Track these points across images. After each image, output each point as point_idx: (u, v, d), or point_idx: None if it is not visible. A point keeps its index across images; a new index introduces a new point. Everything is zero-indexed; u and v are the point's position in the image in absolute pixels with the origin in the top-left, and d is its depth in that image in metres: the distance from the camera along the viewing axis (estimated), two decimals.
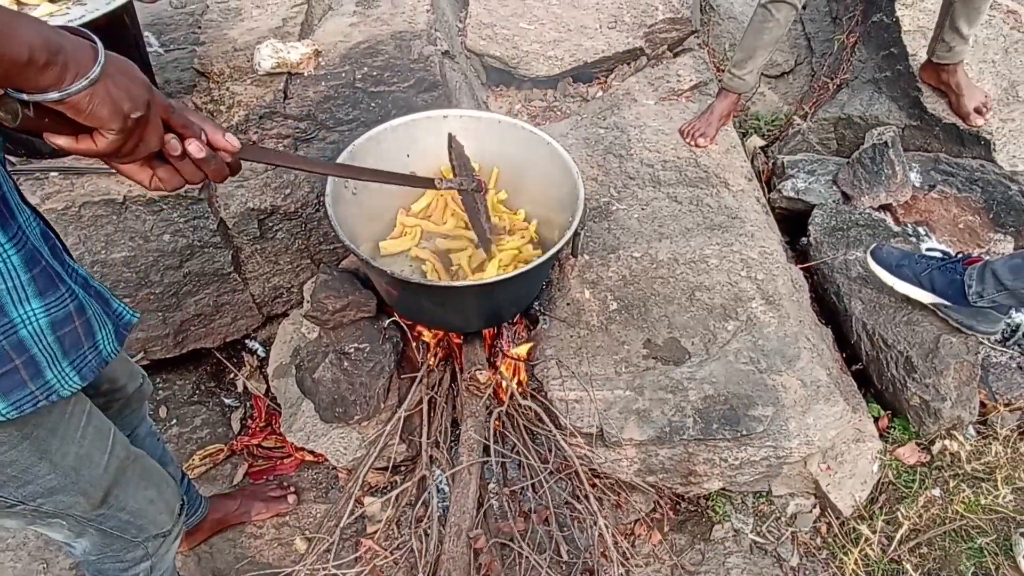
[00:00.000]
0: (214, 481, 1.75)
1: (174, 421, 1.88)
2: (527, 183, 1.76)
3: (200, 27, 1.98)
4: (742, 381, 1.62)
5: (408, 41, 1.95)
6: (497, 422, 1.61)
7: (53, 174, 1.63)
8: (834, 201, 2.21)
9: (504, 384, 1.66)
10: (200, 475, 1.75)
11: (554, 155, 1.69)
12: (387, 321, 1.68)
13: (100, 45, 0.66)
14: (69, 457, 0.89)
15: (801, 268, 2.03)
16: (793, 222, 2.27)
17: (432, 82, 1.91)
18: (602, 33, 2.55)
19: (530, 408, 1.62)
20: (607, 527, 1.48)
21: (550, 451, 1.56)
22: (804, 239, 2.13)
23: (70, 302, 0.80)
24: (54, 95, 0.62)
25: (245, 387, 1.91)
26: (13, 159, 1.63)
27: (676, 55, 2.62)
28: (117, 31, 1.58)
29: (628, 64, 2.57)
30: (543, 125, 2.38)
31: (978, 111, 2.14)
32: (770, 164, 2.50)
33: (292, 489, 1.70)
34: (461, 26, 2.56)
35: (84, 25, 1.38)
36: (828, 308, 2.02)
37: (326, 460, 1.70)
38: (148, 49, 1.88)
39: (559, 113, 2.47)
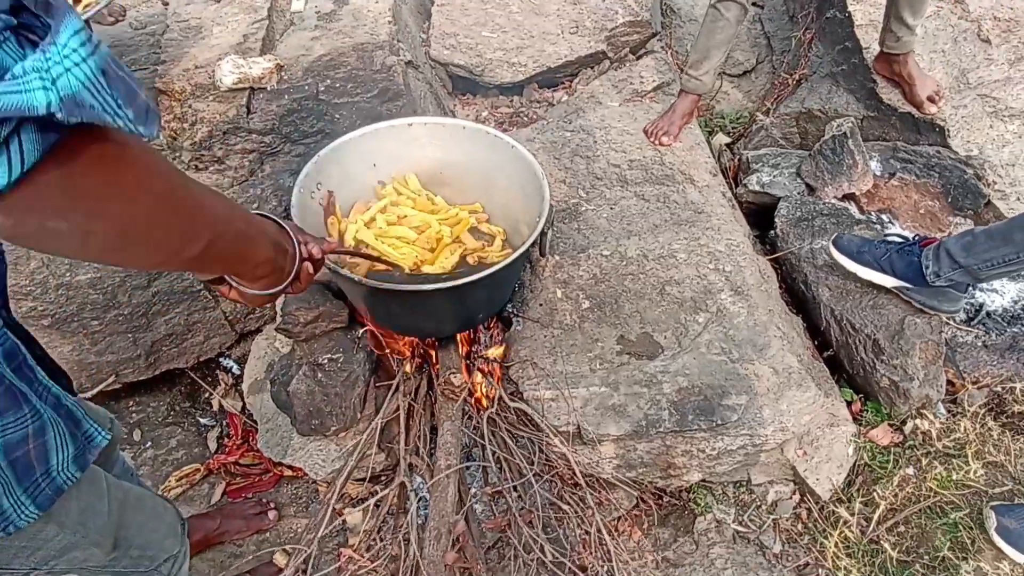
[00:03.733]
0: (192, 502, 1.72)
1: (148, 443, 1.85)
2: (494, 187, 1.78)
3: (161, 47, 1.97)
4: (715, 372, 1.64)
5: (370, 52, 1.96)
6: (483, 425, 1.61)
7: None
8: (799, 193, 2.26)
9: (482, 388, 1.66)
10: (177, 496, 1.72)
11: (519, 158, 1.70)
12: (361, 331, 1.68)
13: (298, 252, 0.77)
14: (72, 513, 0.86)
15: (770, 259, 2.07)
16: (761, 215, 2.31)
17: (396, 91, 1.93)
18: (564, 38, 2.59)
19: (513, 410, 1.62)
20: (601, 526, 1.49)
21: (533, 453, 1.56)
22: (772, 231, 2.17)
23: (30, 423, 0.76)
24: (255, 291, 0.74)
25: (220, 405, 1.89)
26: None
27: (638, 57, 2.67)
28: None
29: (591, 68, 2.60)
30: (510, 131, 2.40)
31: (931, 99, 2.21)
32: (736, 160, 2.55)
33: (272, 505, 1.68)
34: (424, 36, 2.58)
35: None
36: (797, 297, 2.06)
37: (305, 474, 1.69)
38: None
39: (526, 118, 2.49)
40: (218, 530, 1.61)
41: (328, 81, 1.87)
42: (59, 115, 0.43)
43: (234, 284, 0.72)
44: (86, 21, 1.53)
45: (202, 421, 1.90)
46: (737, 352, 1.68)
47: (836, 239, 1.85)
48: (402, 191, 1.77)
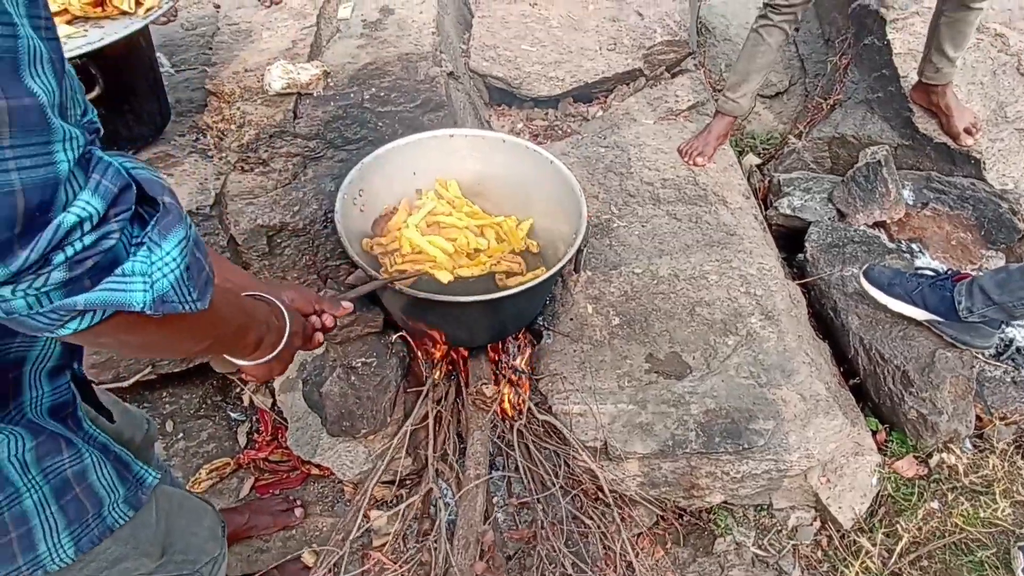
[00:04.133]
0: (220, 495, 1.76)
1: (180, 435, 1.89)
2: (531, 201, 1.80)
3: (211, 48, 2.02)
4: (743, 395, 1.65)
5: (414, 63, 2.00)
6: (510, 436, 1.63)
7: None
8: (829, 218, 2.26)
9: (511, 399, 1.69)
10: (206, 489, 1.76)
11: (557, 173, 1.73)
12: (394, 336, 1.71)
13: (287, 319, 0.84)
14: (125, 527, 0.87)
15: (798, 284, 2.07)
16: (790, 239, 2.31)
17: (438, 102, 1.96)
18: (602, 55, 2.61)
19: (541, 423, 1.64)
20: (627, 543, 1.50)
21: (558, 466, 1.58)
22: (801, 255, 2.17)
23: (69, 467, 0.77)
24: (247, 363, 0.81)
25: (251, 401, 1.93)
26: None
27: (674, 76, 2.69)
28: (133, 53, 1.63)
29: (627, 84, 2.63)
30: (545, 144, 2.43)
31: (968, 131, 2.20)
32: (766, 182, 2.55)
33: (299, 503, 1.71)
34: (465, 48, 2.62)
35: (102, 48, 1.43)
36: (825, 323, 2.06)
37: (332, 474, 1.72)
38: (160, 69, 1.92)
39: (560, 132, 2.52)
40: (246, 525, 1.65)
41: (373, 90, 1.91)
42: (147, 311, 0.54)
43: (227, 358, 0.81)
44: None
45: (232, 415, 1.93)
46: (765, 376, 1.69)
47: (867, 271, 1.85)
48: (443, 194, 1.80)
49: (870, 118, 2.49)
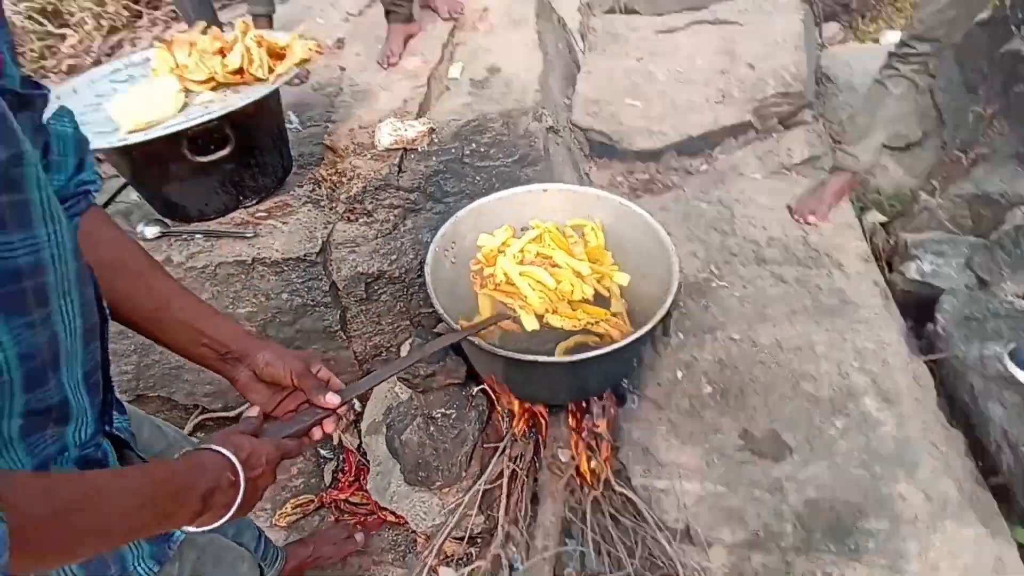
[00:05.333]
0: (301, 532, 1.82)
1: None
2: (623, 258, 1.76)
3: (333, 107, 2.20)
4: (852, 487, 1.47)
5: (515, 118, 2.05)
6: (585, 505, 1.56)
7: (198, 236, 1.85)
8: (968, 287, 2.00)
9: (588, 464, 1.62)
10: (290, 523, 1.83)
11: (649, 229, 1.68)
12: (475, 389, 1.71)
13: (241, 479, 0.71)
14: None
15: (926, 360, 1.84)
16: (917, 308, 2.07)
17: (536, 156, 1.99)
18: (709, 108, 2.54)
19: (619, 496, 1.55)
20: None
21: (635, 543, 1.48)
22: (931, 326, 1.93)
23: None
24: (194, 529, 0.69)
25: (340, 440, 2.00)
26: (168, 222, 1.87)
27: (787, 128, 2.55)
28: (262, 113, 1.80)
29: (735, 138, 2.53)
30: (644, 198, 2.38)
31: None
32: (891, 243, 2.32)
33: (359, 528, 1.74)
34: (567, 102, 2.66)
35: (238, 110, 1.59)
36: (959, 409, 1.80)
37: (406, 523, 1.72)
38: (288, 126, 2.12)
39: (661, 186, 2.46)
40: (312, 556, 1.69)
41: (473, 145, 1.97)
42: None
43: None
44: None
45: (322, 453, 2.01)
46: (880, 467, 1.50)
47: (1015, 351, 1.61)
48: (588, 239, 1.76)
49: (1021, 174, 2.20)
